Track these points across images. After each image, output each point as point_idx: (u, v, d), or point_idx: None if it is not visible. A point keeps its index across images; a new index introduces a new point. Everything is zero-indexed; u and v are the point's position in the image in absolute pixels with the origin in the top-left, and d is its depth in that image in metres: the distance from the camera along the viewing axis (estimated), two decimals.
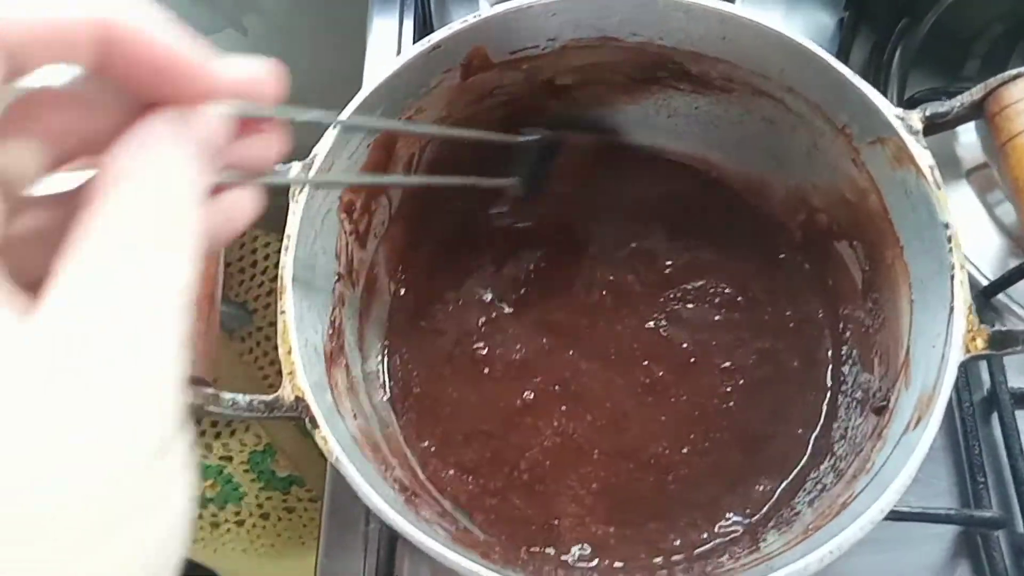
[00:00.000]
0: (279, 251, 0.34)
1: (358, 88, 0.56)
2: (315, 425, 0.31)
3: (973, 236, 0.52)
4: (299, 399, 0.32)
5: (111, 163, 0.18)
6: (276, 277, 0.34)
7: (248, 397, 0.32)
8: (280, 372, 0.32)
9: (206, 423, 0.85)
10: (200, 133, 0.19)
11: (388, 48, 0.57)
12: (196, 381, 0.30)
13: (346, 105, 0.37)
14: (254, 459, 0.88)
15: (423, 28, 0.57)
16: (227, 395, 0.31)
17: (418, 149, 0.42)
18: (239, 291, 0.92)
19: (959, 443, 0.46)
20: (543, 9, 0.38)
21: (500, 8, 0.38)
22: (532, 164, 0.42)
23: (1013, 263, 0.50)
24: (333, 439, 0.31)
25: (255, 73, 0.20)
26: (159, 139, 0.18)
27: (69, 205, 0.18)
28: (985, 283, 0.48)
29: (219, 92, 0.20)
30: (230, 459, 0.86)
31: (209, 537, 0.91)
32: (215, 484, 0.90)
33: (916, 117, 0.35)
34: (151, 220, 0.17)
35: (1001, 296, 0.49)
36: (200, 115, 0.19)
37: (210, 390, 0.31)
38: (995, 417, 0.46)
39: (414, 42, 0.55)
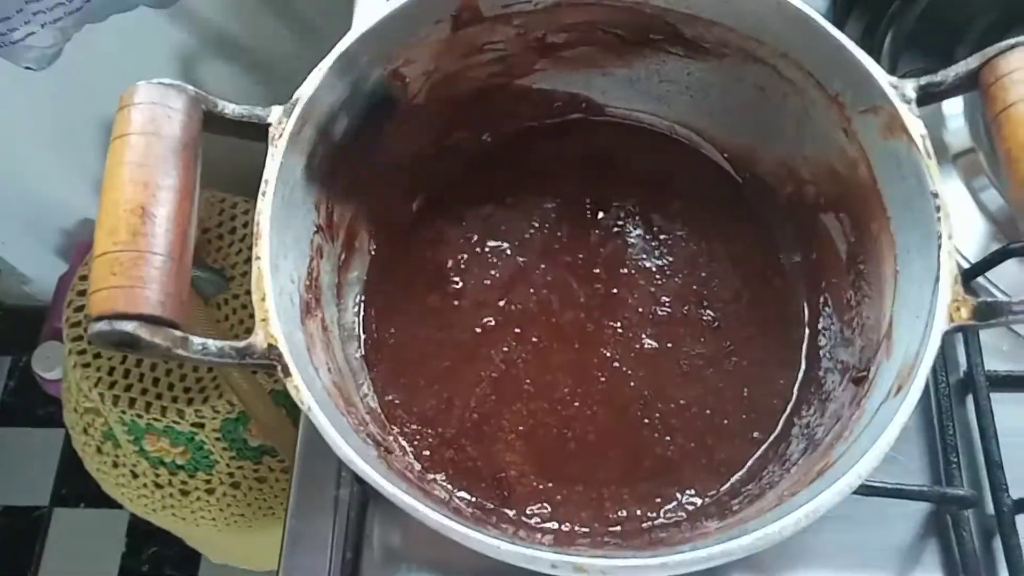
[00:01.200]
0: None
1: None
2: (287, 374, 0.31)
3: (957, 220, 0.52)
4: (272, 347, 0.31)
5: None
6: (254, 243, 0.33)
7: (219, 343, 0.31)
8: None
9: (178, 388, 0.84)
10: None
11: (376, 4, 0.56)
12: (164, 322, 0.29)
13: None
14: (227, 427, 0.86)
15: None
16: (197, 339, 0.30)
17: (406, 98, 0.41)
18: (216, 257, 0.90)
19: (933, 423, 0.46)
20: None
21: None
22: None
23: (996, 248, 0.50)
24: (305, 388, 0.30)
25: None
26: None
27: None
28: (967, 266, 0.48)
29: None
30: (202, 426, 0.85)
31: (178, 505, 0.90)
32: (186, 451, 0.88)
33: (910, 86, 0.35)
34: None
35: (981, 279, 0.49)
36: None
37: (179, 333, 0.30)
38: (970, 399, 0.46)
39: None
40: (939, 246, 0.32)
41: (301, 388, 0.30)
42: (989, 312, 0.31)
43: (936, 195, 0.33)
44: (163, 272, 0.30)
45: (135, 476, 0.89)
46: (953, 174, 0.55)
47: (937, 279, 0.32)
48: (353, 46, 0.36)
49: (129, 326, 0.29)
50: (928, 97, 0.35)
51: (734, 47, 0.40)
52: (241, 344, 0.31)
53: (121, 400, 0.83)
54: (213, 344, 0.31)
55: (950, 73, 0.35)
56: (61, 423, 0.92)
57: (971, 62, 0.34)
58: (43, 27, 0.65)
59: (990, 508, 0.44)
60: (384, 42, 0.37)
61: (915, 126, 0.34)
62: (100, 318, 0.29)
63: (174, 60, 0.86)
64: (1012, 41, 0.33)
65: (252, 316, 0.31)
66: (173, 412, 0.82)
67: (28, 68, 0.66)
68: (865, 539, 0.43)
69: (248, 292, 0.87)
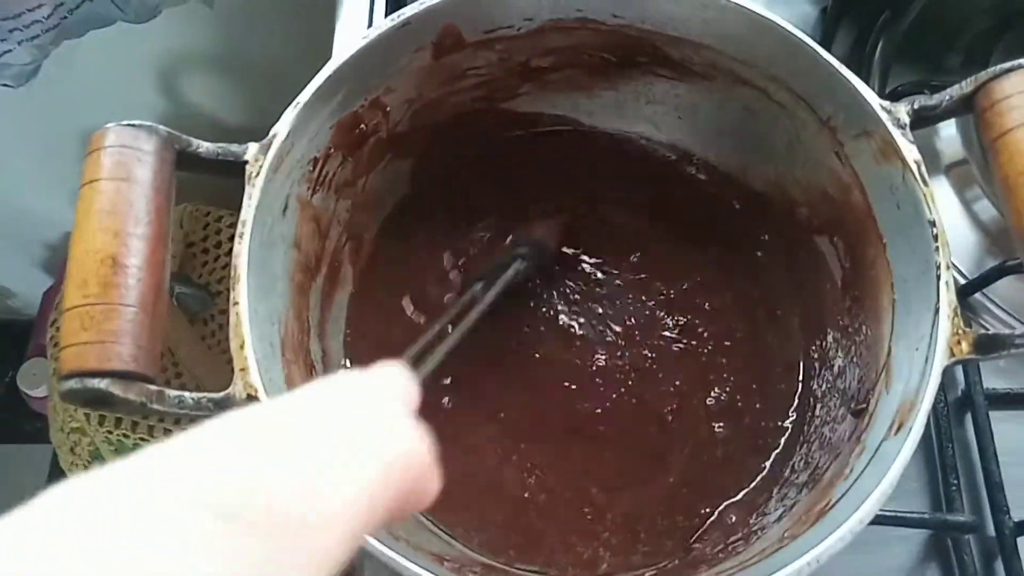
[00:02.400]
0: None
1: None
2: None
3: (950, 233, 0.51)
4: (251, 397, 0.30)
5: None
6: None
7: (196, 395, 0.30)
8: None
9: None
10: None
11: (359, 23, 0.55)
12: (137, 377, 0.28)
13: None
14: None
15: (395, 3, 0.54)
16: (173, 393, 0.29)
17: (385, 127, 0.40)
18: (201, 272, 0.89)
19: (932, 444, 0.45)
20: None
21: None
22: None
23: (990, 260, 0.50)
24: None
25: None
26: None
27: None
28: (963, 281, 0.48)
29: None
30: None
31: None
32: None
33: (903, 110, 0.34)
34: None
35: (978, 295, 0.48)
36: None
37: (153, 387, 0.29)
38: (969, 418, 0.45)
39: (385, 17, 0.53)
40: (938, 276, 0.31)
41: None
42: (990, 346, 0.30)
43: (933, 224, 0.32)
44: (136, 325, 0.28)
45: None
46: (946, 185, 0.54)
47: (936, 311, 0.31)
48: (331, 79, 0.35)
49: (102, 383, 0.28)
50: (922, 121, 0.34)
51: (722, 69, 0.39)
52: (219, 396, 0.30)
53: (107, 420, 0.82)
54: (190, 397, 0.30)
55: (944, 97, 0.34)
56: (49, 440, 0.91)
57: (965, 86, 0.33)
58: (20, 44, 0.63)
59: (991, 530, 0.43)
60: (364, 73, 0.36)
61: (909, 151, 0.33)
62: (70, 375, 0.28)
63: (154, 74, 0.85)
64: (1007, 65, 0.32)
65: None
66: (160, 431, 0.81)
67: (6, 86, 0.64)
68: (866, 563, 0.43)
69: None
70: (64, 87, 0.74)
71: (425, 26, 0.36)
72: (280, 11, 0.77)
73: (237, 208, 0.33)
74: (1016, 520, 0.42)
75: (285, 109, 0.34)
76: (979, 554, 0.43)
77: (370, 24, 0.54)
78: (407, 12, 0.35)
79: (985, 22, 0.56)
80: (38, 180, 0.92)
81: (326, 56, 0.54)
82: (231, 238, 0.88)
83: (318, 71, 0.52)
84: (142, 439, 0.86)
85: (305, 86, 0.34)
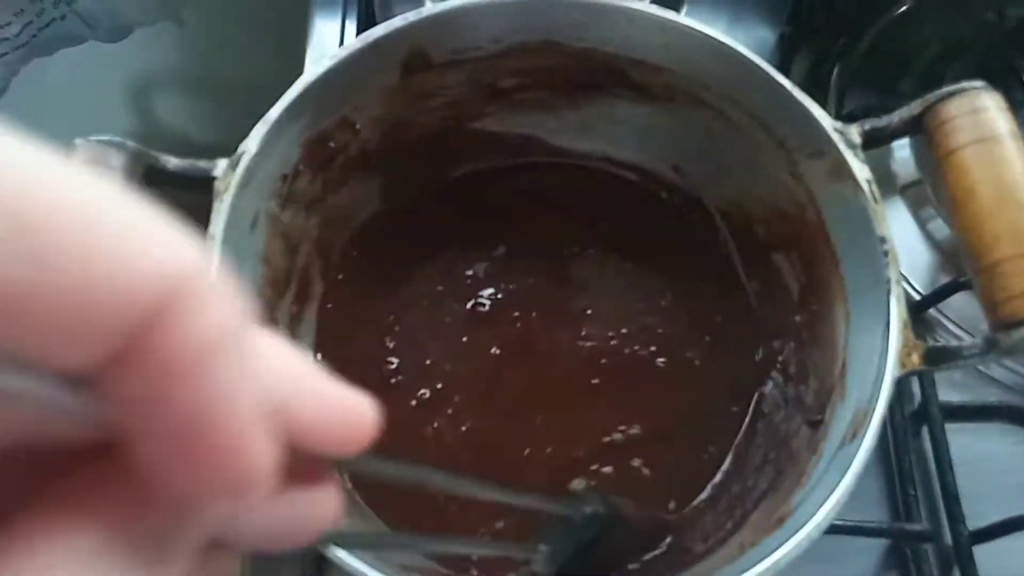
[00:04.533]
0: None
1: None
2: None
3: (906, 251, 0.53)
4: None
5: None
6: None
7: None
8: None
9: None
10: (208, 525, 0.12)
11: (330, 43, 0.56)
12: None
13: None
14: None
15: (367, 25, 0.55)
16: None
17: (355, 144, 0.41)
18: None
19: (890, 456, 0.46)
20: (486, 9, 0.37)
21: (442, 7, 0.37)
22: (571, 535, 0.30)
23: (944, 278, 0.51)
24: None
25: (348, 415, 0.13)
26: None
27: None
28: (917, 298, 0.49)
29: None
30: None
31: None
32: None
33: (855, 131, 0.35)
34: None
35: (932, 311, 0.50)
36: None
37: None
38: (925, 431, 0.46)
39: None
40: (888, 291, 0.33)
41: None
42: (939, 357, 0.31)
43: (883, 240, 0.33)
44: None
45: None
46: (901, 205, 0.55)
47: (888, 323, 0.32)
48: (300, 96, 0.35)
49: None
50: (873, 141, 0.35)
51: (682, 91, 0.40)
52: None
53: None
54: None
55: (894, 118, 0.35)
56: None
57: (914, 108, 0.34)
58: None
59: (948, 539, 0.44)
60: (333, 91, 0.37)
61: (861, 171, 0.35)
62: None
63: (125, 91, 0.85)
64: (951, 88, 0.33)
65: None
66: None
67: None
68: (826, 572, 0.43)
69: None
70: (34, 104, 0.74)
71: (394, 47, 0.37)
72: (251, 30, 0.78)
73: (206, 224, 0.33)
74: (972, 529, 0.43)
75: (244, 130, 0.34)
76: (937, 563, 0.44)
77: (342, 44, 0.55)
78: (376, 33, 0.36)
79: (936, 49, 0.58)
80: None
81: (297, 74, 0.55)
82: None
83: (280, 89, 0.53)
84: None
85: (268, 104, 0.35)
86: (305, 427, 0.13)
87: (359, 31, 0.55)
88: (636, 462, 0.41)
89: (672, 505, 0.40)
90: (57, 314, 0.09)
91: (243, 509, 0.13)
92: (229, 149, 0.34)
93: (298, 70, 0.55)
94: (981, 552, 0.43)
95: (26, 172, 0.09)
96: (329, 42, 0.56)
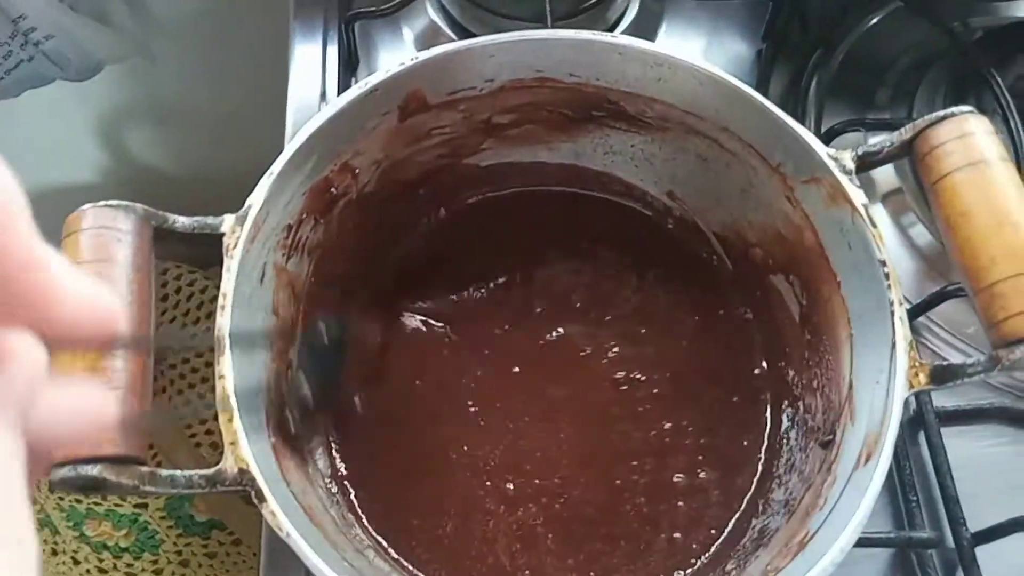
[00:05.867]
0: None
1: (279, 118, 0.54)
2: (262, 499, 0.30)
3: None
4: (243, 471, 0.30)
5: None
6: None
7: (187, 472, 0.30)
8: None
9: None
10: (21, 386, 0.15)
11: (311, 77, 0.55)
12: (129, 460, 0.28)
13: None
14: (171, 504, 0.83)
15: (348, 57, 0.55)
16: (164, 472, 0.29)
17: (355, 188, 0.41)
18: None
19: (891, 464, 0.47)
20: (481, 51, 0.38)
21: (438, 50, 0.37)
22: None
23: (928, 282, 0.53)
24: (282, 513, 0.29)
25: (105, 310, 0.17)
26: None
27: None
28: (907, 306, 0.50)
29: (60, 321, 0.16)
30: (145, 506, 0.82)
31: None
32: (130, 533, 0.85)
33: (848, 157, 0.36)
34: None
35: (921, 318, 0.51)
36: (26, 360, 0.16)
37: (145, 468, 0.29)
38: (922, 435, 0.48)
39: (339, 71, 0.54)
40: (892, 313, 0.34)
41: (278, 514, 0.29)
42: (946, 375, 0.32)
43: (884, 263, 0.34)
44: (125, 408, 0.28)
45: (76, 563, 0.86)
46: (883, 212, 0.57)
47: (893, 345, 0.33)
48: (303, 146, 0.35)
49: (94, 469, 0.27)
50: (866, 166, 0.36)
51: (675, 121, 0.41)
52: (210, 472, 0.30)
53: None
54: (181, 475, 0.30)
55: (886, 143, 0.36)
56: None
57: (904, 133, 0.35)
58: None
59: (951, 542, 0.45)
60: (334, 138, 0.37)
61: (857, 196, 0.36)
62: (62, 464, 0.27)
63: (97, 129, 0.84)
64: (941, 113, 0.34)
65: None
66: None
67: None
68: None
69: (194, 369, 0.85)
70: (3, 145, 0.72)
71: (391, 92, 0.37)
72: (224, 60, 0.77)
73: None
74: (973, 531, 0.44)
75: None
76: (941, 565, 0.45)
77: (323, 79, 0.55)
78: (375, 80, 0.36)
79: (909, 59, 0.59)
80: None
81: (278, 112, 0.54)
82: (178, 291, 0.88)
83: (270, 125, 0.53)
84: (95, 504, 0.83)
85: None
86: (66, 314, 0.16)
87: (340, 62, 0.55)
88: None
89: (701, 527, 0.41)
90: None
91: (35, 386, 0.16)
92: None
93: (271, 99, 0.55)
94: (983, 553, 0.44)
95: None
96: (311, 74, 0.56)
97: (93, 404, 0.18)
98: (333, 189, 0.39)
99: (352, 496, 0.41)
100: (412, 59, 0.37)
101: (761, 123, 0.38)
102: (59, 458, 0.27)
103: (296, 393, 0.37)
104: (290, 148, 0.35)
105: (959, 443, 0.47)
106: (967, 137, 0.34)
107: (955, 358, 0.51)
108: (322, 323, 0.38)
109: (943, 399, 0.48)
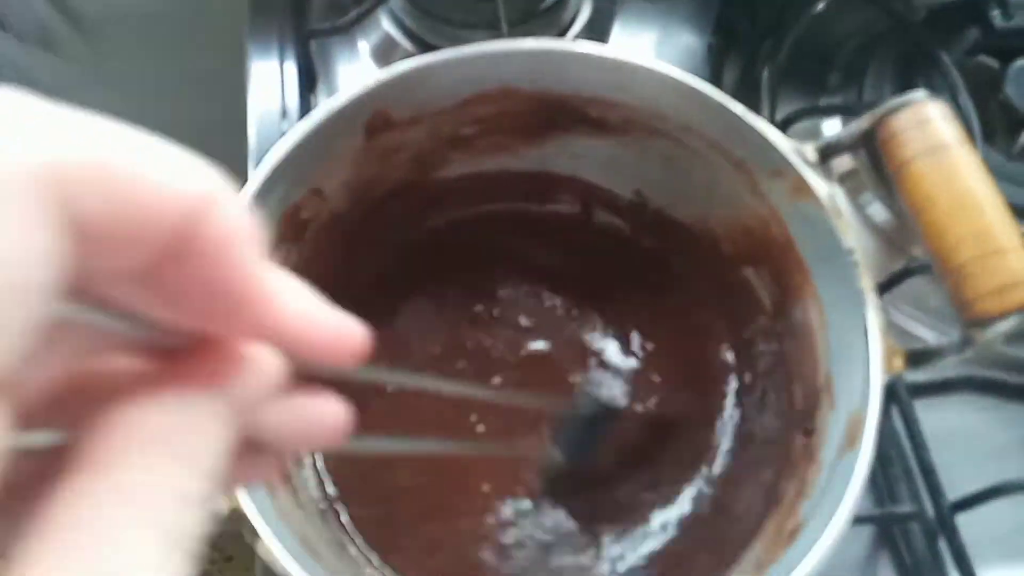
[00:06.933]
0: None
1: (238, 137, 0.53)
2: (256, 536, 0.29)
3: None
4: (235, 510, 0.30)
5: (111, 426, 0.13)
6: None
7: None
8: None
9: None
10: (240, 404, 0.15)
11: (271, 94, 0.55)
12: None
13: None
14: None
15: (307, 74, 0.54)
16: None
17: (325, 210, 0.41)
18: None
19: None
20: (442, 66, 0.38)
21: (399, 68, 0.37)
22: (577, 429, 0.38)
23: (887, 260, 0.54)
24: (281, 548, 0.29)
25: (340, 330, 0.16)
26: (186, 419, 0.14)
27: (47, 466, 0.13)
28: None
29: (282, 340, 0.16)
30: None
31: None
32: None
33: (810, 150, 0.37)
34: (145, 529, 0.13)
35: (885, 295, 0.52)
36: (248, 375, 0.15)
37: None
38: (895, 411, 0.49)
39: (300, 88, 0.53)
40: (863, 300, 0.34)
41: (275, 550, 0.29)
42: (921, 358, 0.33)
43: (851, 252, 0.35)
44: None
45: None
46: (840, 192, 0.58)
47: (866, 332, 0.34)
48: (271, 175, 0.35)
49: None
50: (829, 156, 0.37)
51: (638, 123, 0.41)
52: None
53: None
54: None
55: (844, 134, 0.37)
56: None
57: (863, 122, 0.36)
58: None
59: (931, 512, 0.46)
60: (300, 164, 0.37)
61: (821, 187, 0.36)
62: None
63: None
64: (899, 101, 0.35)
65: None
66: None
67: None
68: None
69: None
70: None
71: (356, 112, 0.37)
72: (182, 86, 0.76)
73: None
74: (952, 500, 0.45)
75: None
76: (923, 535, 0.46)
77: (283, 97, 0.54)
78: (338, 103, 0.36)
79: (856, 42, 0.60)
80: None
81: (236, 130, 0.53)
82: None
83: (228, 144, 0.52)
84: None
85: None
86: (302, 337, 0.16)
87: (300, 74, 0.54)
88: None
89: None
90: (124, 224, 0.13)
91: (265, 396, 0.16)
92: None
93: (238, 122, 0.54)
94: (963, 520, 0.45)
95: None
96: (270, 91, 0.55)
97: (328, 414, 0.18)
98: (303, 214, 0.39)
99: (342, 518, 0.41)
100: (375, 80, 0.36)
101: (721, 120, 0.38)
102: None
103: None
104: (257, 177, 0.35)
105: (931, 415, 0.48)
106: (925, 124, 0.34)
107: (921, 332, 0.53)
108: None
109: (913, 373, 0.49)
